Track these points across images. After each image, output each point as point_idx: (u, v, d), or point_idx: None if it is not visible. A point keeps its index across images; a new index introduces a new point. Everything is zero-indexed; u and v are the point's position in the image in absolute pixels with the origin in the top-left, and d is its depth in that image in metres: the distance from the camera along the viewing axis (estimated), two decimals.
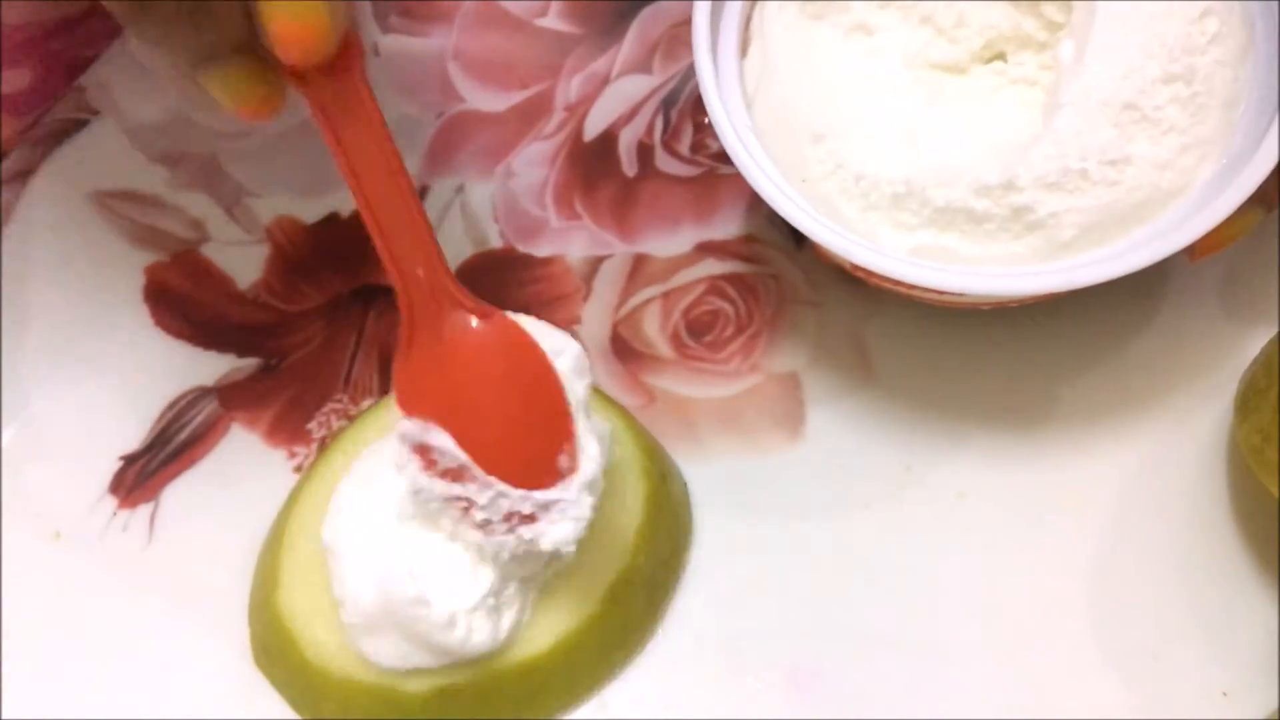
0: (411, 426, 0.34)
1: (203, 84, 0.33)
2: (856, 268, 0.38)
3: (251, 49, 0.33)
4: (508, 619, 0.36)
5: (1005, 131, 0.38)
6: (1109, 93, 0.35)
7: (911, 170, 0.37)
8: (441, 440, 0.34)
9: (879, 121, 0.38)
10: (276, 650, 0.38)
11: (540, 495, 0.34)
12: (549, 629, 0.37)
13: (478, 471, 0.34)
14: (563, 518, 0.34)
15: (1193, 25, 0.36)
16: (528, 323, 0.36)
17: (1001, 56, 0.39)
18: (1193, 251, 0.37)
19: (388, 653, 0.36)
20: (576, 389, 0.35)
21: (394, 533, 0.36)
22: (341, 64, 0.33)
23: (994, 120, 0.38)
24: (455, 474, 0.34)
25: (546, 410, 0.34)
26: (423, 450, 0.34)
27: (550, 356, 0.35)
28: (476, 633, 0.35)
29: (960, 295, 0.38)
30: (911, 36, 0.39)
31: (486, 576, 0.35)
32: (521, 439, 0.34)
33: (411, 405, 0.34)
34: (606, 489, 0.37)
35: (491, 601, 0.35)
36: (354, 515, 0.37)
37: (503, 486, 0.34)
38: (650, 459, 0.40)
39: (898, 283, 0.37)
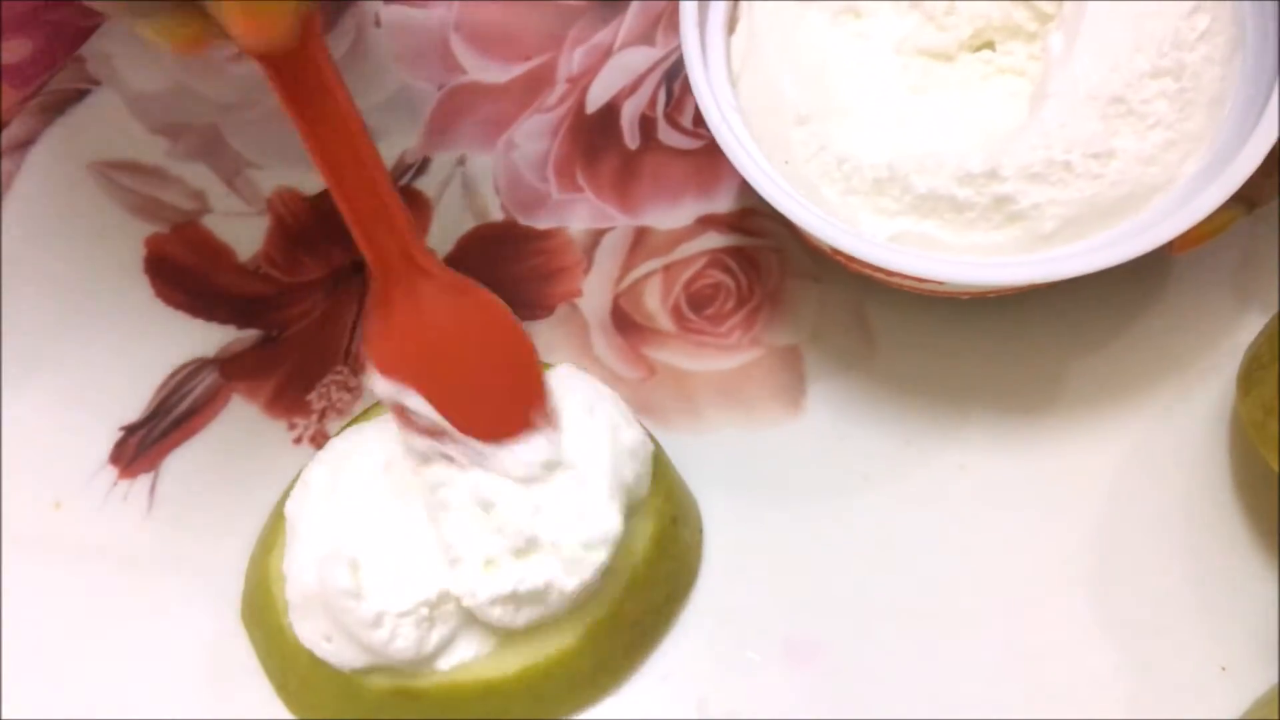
0: (388, 388, 0.36)
1: (136, 27, 0.33)
2: (837, 252, 0.38)
3: None
4: (438, 635, 0.36)
5: (991, 121, 0.37)
6: (1096, 85, 0.35)
7: (895, 155, 0.36)
8: (416, 402, 0.35)
9: (864, 105, 0.38)
10: (259, 609, 0.38)
11: (512, 443, 0.36)
12: (518, 655, 0.36)
13: (453, 431, 0.35)
14: (532, 455, 0.36)
15: (1183, 21, 0.36)
16: (567, 373, 0.38)
17: (990, 45, 0.39)
18: (1171, 246, 0.36)
19: (315, 635, 0.36)
20: (624, 469, 0.37)
21: (351, 518, 0.36)
22: (301, 39, 0.32)
23: (980, 109, 0.38)
24: (432, 433, 0.36)
25: (518, 373, 0.36)
26: (400, 410, 0.36)
27: (611, 431, 0.37)
28: (401, 638, 0.35)
29: (939, 283, 0.37)
30: (900, 22, 0.39)
31: (428, 586, 0.35)
32: (494, 400, 0.36)
33: (388, 369, 0.36)
34: None
35: (425, 611, 0.35)
36: (319, 493, 0.37)
37: (477, 444, 0.35)
38: (665, 500, 0.39)
39: (876, 268, 0.37)
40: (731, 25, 0.40)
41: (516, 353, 0.36)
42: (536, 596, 0.35)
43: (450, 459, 0.36)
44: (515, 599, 0.35)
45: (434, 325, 0.36)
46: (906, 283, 0.39)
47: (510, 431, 0.36)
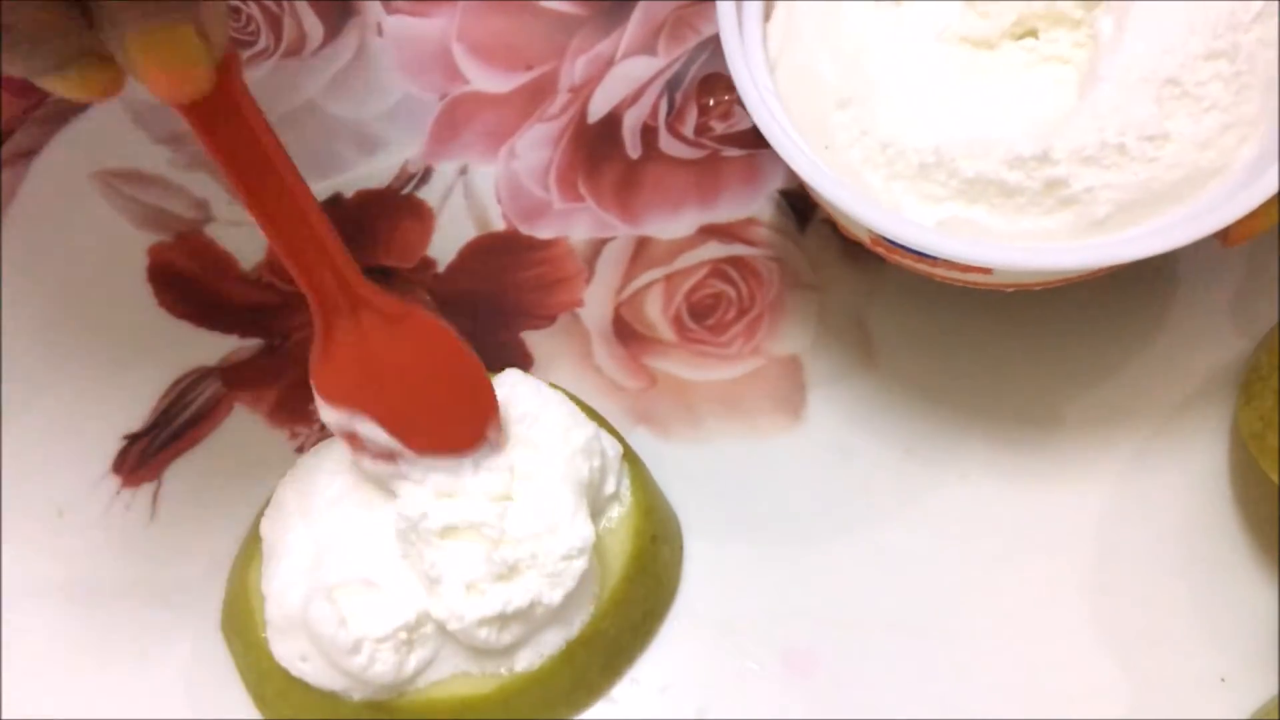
0: (336, 416, 0.36)
1: (43, 83, 0.30)
2: (877, 241, 0.37)
3: (92, 50, 0.30)
4: (417, 658, 0.35)
5: (1037, 107, 0.36)
6: (1150, 67, 0.35)
7: (941, 139, 0.35)
8: (366, 428, 0.36)
9: (907, 90, 0.37)
10: (239, 621, 0.38)
11: (468, 457, 0.36)
12: (496, 673, 0.36)
13: (406, 452, 0.36)
14: (488, 471, 0.36)
15: (1237, 2, 0.35)
16: (511, 380, 0.38)
17: (1033, 34, 0.38)
18: (1226, 236, 0.35)
19: (293, 656, 0.36)
20: (580, 468, 0.36)
21: (327, 541, 0.37)
22: (219, 83, 0.30)
23: (1025, 96, 0.37)
24: (386, 456, 0.36)
25: (467, 390, 0.37)
26: (351, 437, 0.36)
27: (561, 433, 0.37)
28: (379, 664, 0.35)
29: (988, 272, 0.36)
30: (940, 9, 0.38)
31: (406, 610, 0.35)
32: (445, 419, 0.36)
33: (333, 398, 0.36)
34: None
35: (404, 635, 0.35)
36: (292, 514, 0.37)
37: (434, 460, 0.36)
38: (646, 518, 0.38)
39: (920, 257, 0.36)
40: (768, 12, 0.40)
41: (463, 371, 0.37)
42: (522, 614, 0.35)
43: (407, 479, 0.36)
44: (502, 619, 0.35)
45: (377, 352, 0.36)
46: (950, 274, 0.38)
47: (464, 446, 0.36)
